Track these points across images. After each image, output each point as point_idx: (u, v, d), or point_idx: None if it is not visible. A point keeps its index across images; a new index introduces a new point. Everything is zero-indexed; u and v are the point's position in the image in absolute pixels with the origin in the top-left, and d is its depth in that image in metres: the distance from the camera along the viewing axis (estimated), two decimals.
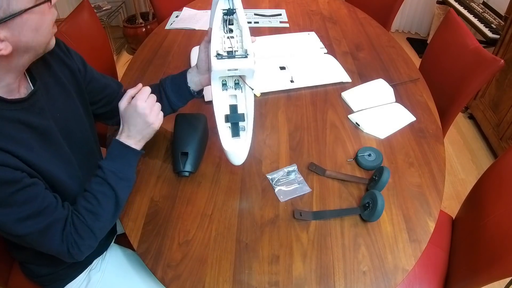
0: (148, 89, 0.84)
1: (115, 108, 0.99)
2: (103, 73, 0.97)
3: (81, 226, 0.74)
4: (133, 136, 0.82)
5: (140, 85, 0.86)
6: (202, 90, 0.99)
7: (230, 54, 0.81)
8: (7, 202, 0.63)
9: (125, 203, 0.83)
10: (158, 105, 0.85)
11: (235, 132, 0.86)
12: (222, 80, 0.86)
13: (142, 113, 0.81)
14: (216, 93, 0.85)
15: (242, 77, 0.85)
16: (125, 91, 1.01)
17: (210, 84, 0.85)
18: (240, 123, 0.86)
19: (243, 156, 0.87)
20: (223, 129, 0.86)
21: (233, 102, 0.87)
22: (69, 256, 0.74)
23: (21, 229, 0.66)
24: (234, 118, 0.86)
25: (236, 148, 0.86)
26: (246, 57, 0.81)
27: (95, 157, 0.90)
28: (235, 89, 0.87)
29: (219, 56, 0.81)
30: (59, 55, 0.82)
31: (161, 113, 0.86)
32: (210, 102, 0.86)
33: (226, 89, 0.86)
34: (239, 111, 0.87)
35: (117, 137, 0.83)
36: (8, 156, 0.62)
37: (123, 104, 0.84)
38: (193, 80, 0.94)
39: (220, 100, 0.86)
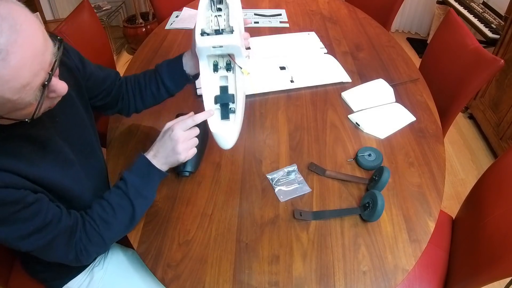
0: (191, 122, 0.80)
1: (114, 98, 0.97)
2: (99, 65, 0.95)
3: (92, 232, 0.75)
4: (158, 157, 0.81)
5: (191, 113, 0.83)
6: (198, 74, 0.96)
7: (218, 32, 0.78)
8: (10, 220, 0.63)
9: (140, 219, 0.83)
10: (194, 140, 0.83)
11: (225, 114, 0.83)
12: (213, 61, 0.83)
13: (174, 140, 0.79)
14: (204, 73, 0.82)
15: (231, 56, 0.81)
16: (120, 79, 0.99)
17: None
18: (230, 105, 0.83)
19: (232, 139, 0.83)
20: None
21: (224, 84, 0.84)
22: (76, 262, 0.75)
23: (26, 245, 0.66)
24: (224, 98, 0.82)
25: (225, 131, 0.82)
26: (231, 32, 0.77)
27: (96, 156, 0.90)
28: (227, 70, 0.83)
29: (204, 34, 0.78)
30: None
31: (193, 150, 0.83)
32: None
33: (217, 71, 0.83)
34: (230, 92, 0.83)
35: (145, 154, 0.82)
36: (9, 175, 0.61)
37: (167, 124, 0.83)
38: (188, 64, 0.92)
39: (208, 81, 0.82)
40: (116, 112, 1.04)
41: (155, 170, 0.81)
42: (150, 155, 0.81)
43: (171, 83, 0.95)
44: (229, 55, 0.82)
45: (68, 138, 0.78)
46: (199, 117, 0.81)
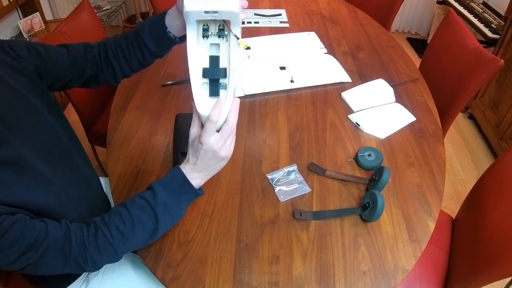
0: (212, 126, 0.67)
1: (91, 75, 0.89)
2: (66, 45, 0.87)
3: (104, 243, 0.69)
4: (199, 171, 0.72)
5: (222, 102, 0.68)
6: (185, 36, 0.77)
7: None
8: None
9: (160, 236, 0.76)
10: (232, 137, 0.71)
11: (214, 90, 0.71)
12: (203, 25, 0.70)
13: (211, 150, 0.69)
14: (192, 41, 0.69)
15: (226, 22, 0.68)
16: (93, 49, 0.89)
17: None
18: (221, 80, 0.71)
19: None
20: (198, 86, 0.70)
21: (215, 53, 0.71)
22: (78, 270, 0.70)
23: (16, 266, 0.63)
24: (213, 73, 0.70)
25: None
26: None
27: (76, 163, 0.84)
28: (219, 36, 0.70)
29: None
30: (8, 62, 0.74)
31: (233, 144, 0.72)
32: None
33: (207, 36, 0.70)
34: (221, 65, 0.71)
35: (181, 166, 0.73)
36: None
37: (191, 133, 0.71)
38: (173, 24, 0.80)
39: (196, 50, 0.70)
40: (103, 83, 0.93)
41: (192, 189, 0.73)
42: (188, 169, 0.72)
43: (156, 48, 0.84)
44: (224, 21, 0.69)
45: (41, 153, 0.72)
46: (215, 114, 0.67)
